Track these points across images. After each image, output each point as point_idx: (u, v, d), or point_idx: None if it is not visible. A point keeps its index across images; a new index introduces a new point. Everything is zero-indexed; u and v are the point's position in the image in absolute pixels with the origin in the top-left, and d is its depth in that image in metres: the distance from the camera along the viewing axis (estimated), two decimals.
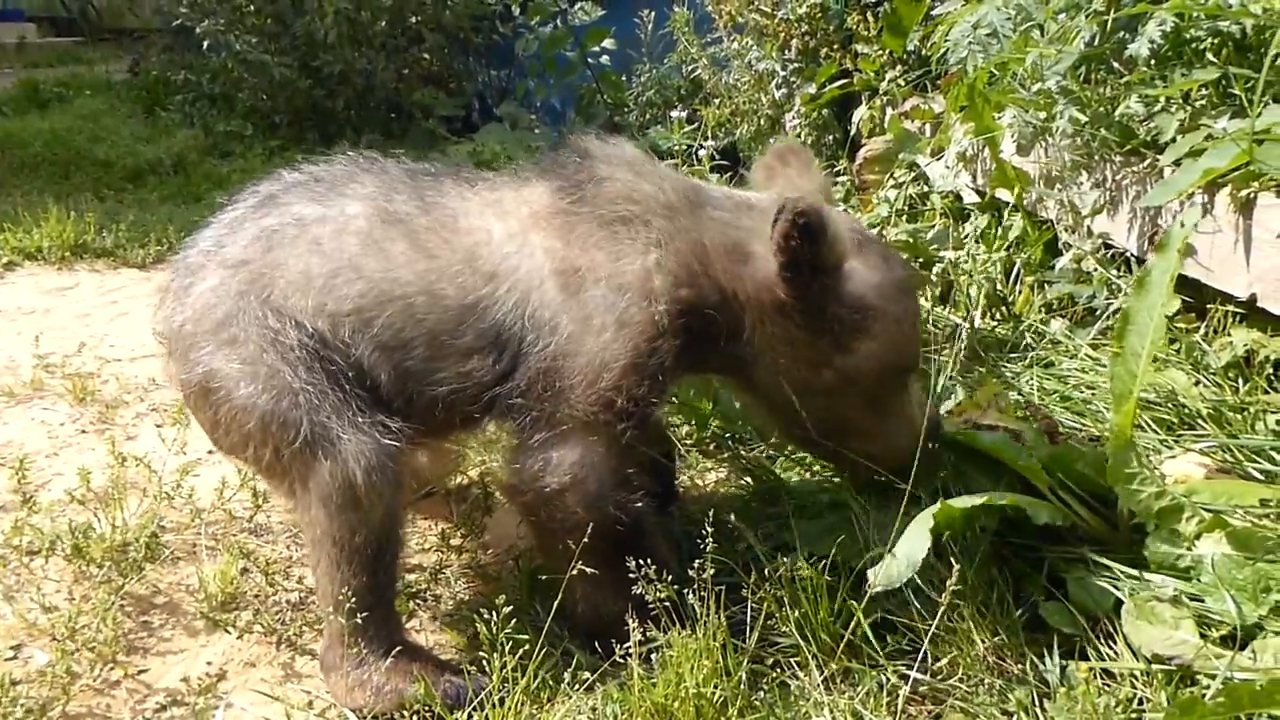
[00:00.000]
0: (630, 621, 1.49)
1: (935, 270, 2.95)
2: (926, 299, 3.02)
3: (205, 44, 6.78)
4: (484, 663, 1.53)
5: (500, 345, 1.66)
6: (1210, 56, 2.27)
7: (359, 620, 1.60)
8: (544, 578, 1.82)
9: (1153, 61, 2.32)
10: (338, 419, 1.60)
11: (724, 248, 1.72)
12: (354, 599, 1.59)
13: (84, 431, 2.68)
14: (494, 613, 1.50)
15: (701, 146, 4.16)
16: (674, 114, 4.14)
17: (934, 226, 3.15)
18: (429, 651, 1.75)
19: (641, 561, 1.52)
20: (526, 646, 1.54)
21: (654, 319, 1.63)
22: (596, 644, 1.66)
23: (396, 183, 1.79)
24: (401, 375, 1.67)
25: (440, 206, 1.76)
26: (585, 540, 1.55)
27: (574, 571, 1.55)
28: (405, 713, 1.59)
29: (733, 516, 1.70)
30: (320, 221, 1.72)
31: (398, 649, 1.63)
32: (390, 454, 1.62)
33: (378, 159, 1.87)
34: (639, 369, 1.62)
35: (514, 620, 1.53)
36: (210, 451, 2.43)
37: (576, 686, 1.51)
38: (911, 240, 3.00)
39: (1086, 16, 2.53)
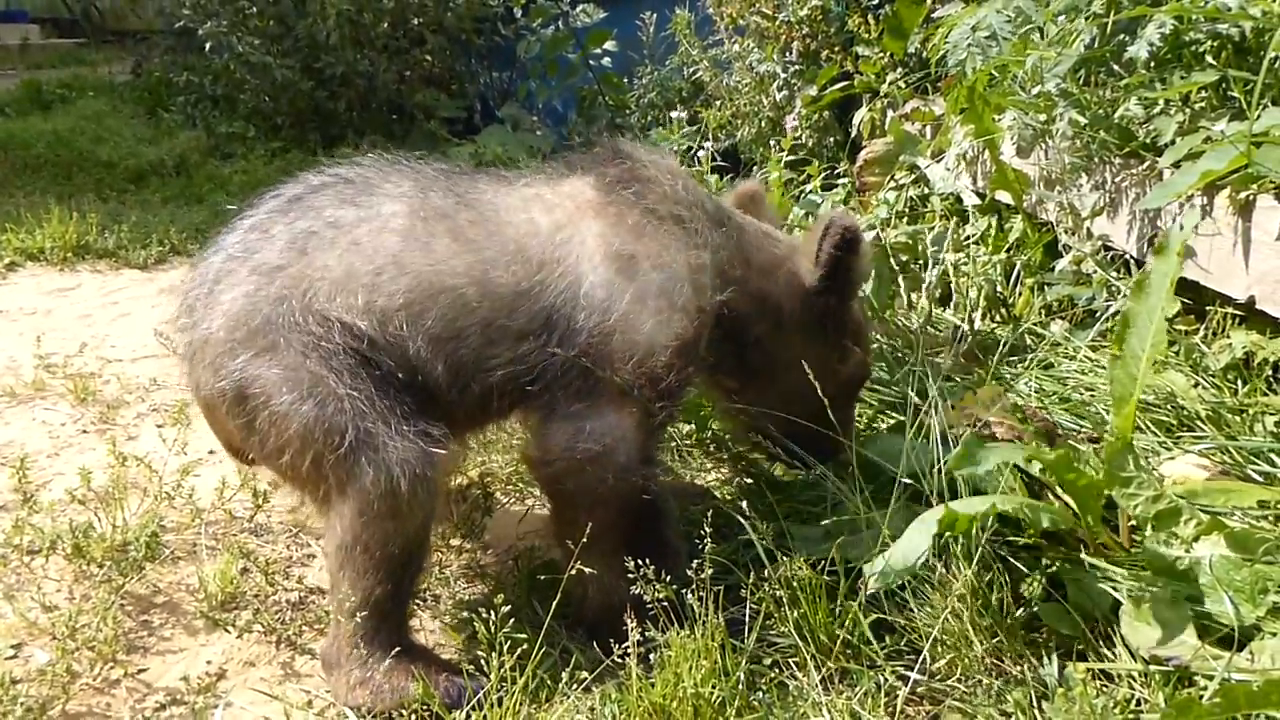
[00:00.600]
0: (633, 616, 1.50)
1: (935, 272, 2.95)
2: (927, 301, 3.02)
3: (208, 45, 6.77)
4: (483, 662, 1.53)
5: (550, 326, 1.70)
6: (1209, 59, 2.27)
7: (371, 624, 1.60)
8: (543, 578, 1.83)
9: (1152, 64, 2.33)
10: (384, 425, 1.59)
11: (767, 262, 1.93)
12: (373, 606, 1.59)
13: (85, 431, 2.68)
14: (493, 612, 1.50)
15: (702, 148, 4.17)
16: (674, 114, 4.14)
17: (934, 228, 3.14)
18: (431, 651, 1.75)
19: (656, 547, 1.59)
20: (525, 646, 1.54)
21: (704, 308, 1.74)
22: (599, 639, 1.66)
23: (432, 181, 1.81)
24: (455, 366, 1.68)
25: (480, 202, 1.79)
26: (608, 515, 1.61)
27: (588, 555, 1.56)
28: (405, 712, 1.59)
29: (745, 504, 1.71)
30: (358, 222, 1.71)
31: (399, 649, 1.63)
32: (434, 462, 1.62)
33: (405, 159, 1.87)
34: (687, 350, 1.71)
35: (513, 620, 1.53)
36: (211, 451, 2.44)
37: (575, 686, 1.52)
38: (912, 242, 3.00)
39: (1086, 19, 2.53)
